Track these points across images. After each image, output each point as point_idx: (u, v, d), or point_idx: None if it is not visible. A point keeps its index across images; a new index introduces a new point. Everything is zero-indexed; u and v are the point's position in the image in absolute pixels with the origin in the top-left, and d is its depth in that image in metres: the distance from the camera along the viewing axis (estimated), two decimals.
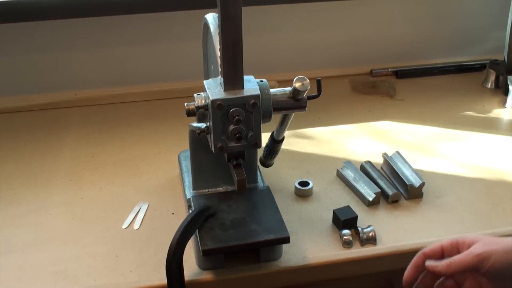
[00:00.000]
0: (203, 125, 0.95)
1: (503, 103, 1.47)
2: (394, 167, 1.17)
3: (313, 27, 1.56)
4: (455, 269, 0.76)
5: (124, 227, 1.08)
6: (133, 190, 1.17)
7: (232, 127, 0.91)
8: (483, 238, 0.78)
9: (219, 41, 0.89)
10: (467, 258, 0.76)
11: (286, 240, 0.95)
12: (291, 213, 1.09)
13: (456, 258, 0.77)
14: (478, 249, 0.76)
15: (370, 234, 1.01)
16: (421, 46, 1.64)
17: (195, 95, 0.94)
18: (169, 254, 0.90)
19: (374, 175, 1.17)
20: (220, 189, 1.08)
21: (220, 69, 0.91)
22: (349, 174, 1.17)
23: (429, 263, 0.80)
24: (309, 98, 0.98)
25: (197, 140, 1.02)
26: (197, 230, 0.96)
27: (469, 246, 0.78)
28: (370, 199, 1.11)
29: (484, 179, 1.19)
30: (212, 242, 0.93)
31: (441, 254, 0.81)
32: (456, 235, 1.03)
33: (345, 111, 1.45)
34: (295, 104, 0.98)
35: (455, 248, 0.80)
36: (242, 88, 0.91)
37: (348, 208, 1.07)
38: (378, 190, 1.12)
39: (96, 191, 1.18)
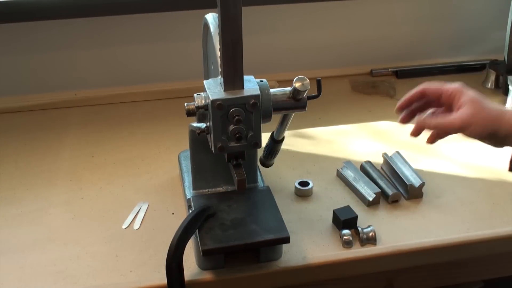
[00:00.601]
0: (203, 125, 0.95)
1: (503, 103, 1.47)
2: (394, 167, 1.17)
3: (313, 27, 1.56)
4: (441, 130, 0.90)
5: (124, 227, 1.08)
6: (133, 190, 1.17)
7: (232, 127, 0.91)
8: (472, 103, 0.87)
9: (219, 41, 0.89)
10: (452, 125, 0.89)
11: (286, 240, 0.95)
12: (291, 213, 1.09)
13: (445, 122, 0.90)
14: (463, 117, 0.87)
15: (370, 234, 1.01)
16: (421, 46, 1.64)
17: (195, 95, 0.94)
18: (169, 254, 0.90)
19: (374, 175, 1.17)
20: (220, 189, 1.08)
21: (220, 69, 0.91)
22: (349, 174, 1.17)
23: (420, 119, 0.93)
24: (309, 98, 0.98)
25: (197, 140, 1.02)
26: (197, 230, 0.96)
27: (459, 107, 0.89)
28: (370, 199, 1.11)
29: (484, 179, 1.19)
30: (212, 242, 0.93)
31: (439, 97, 0.93)
32: (456, 235, 1.04)
33: (345, 111, 1.45)
34: (295, 104, 0.98)
35: (451, 100, 0.91)
36: (242, 88, 0.91)
37: (348, 208, 1.07)
38: (378, 190, 1.12)
39: (96, 191, 1.18)
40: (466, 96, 0.88)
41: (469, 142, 1.31)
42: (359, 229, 1.03)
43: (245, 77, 0.92)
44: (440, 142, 1.31)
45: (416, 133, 0.94)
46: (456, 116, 0.88)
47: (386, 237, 1.04)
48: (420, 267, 1.07)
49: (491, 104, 0.89)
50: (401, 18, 1.60)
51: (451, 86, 0.91)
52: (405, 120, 0.97)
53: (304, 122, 1.36)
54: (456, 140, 1.32)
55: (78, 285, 0.96)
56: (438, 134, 0.92)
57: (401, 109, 0.97)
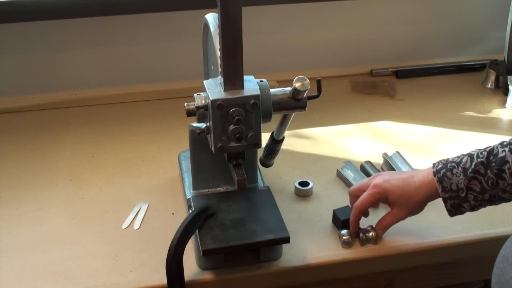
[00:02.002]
0: (203, 125, 0.95)
1: (503, 103, 1.47)
2: (394, 167, 1.17)
3: (313, 27, 1.56)
4: (363, 207, 1.01)
5: (124, 227, 1.08)
6: (133, 190, 1.17)
7: (232, 127, 0.91)
8: (399, 200, 0.99)
9: (219, 41, 0.89)
10: (399, 220, 1.01)
11: (286, 240, 0.95)
12: (291, 213, 1.09)
13: (393, 222, 1.02)
14: (403, 214, 1.00)
15: (370, 234, 1.01)
16: (421, 46, 1.64)
17: (195, 95, 0.94)
18: (169, 254, 0.90)
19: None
20: (220, 189, 1.08)
21: (220, 69, 0.91)
22: (349, 174, 1.17)
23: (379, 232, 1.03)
24: (309, 98, 0.98)
25: (197, 140, 1.02)
26: (197, 230, 0.96)
27: (393, 206, 1.01)
28: None
29: None
30: (212, 242, 0.93)
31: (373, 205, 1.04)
32: (456, 235, 1.04)
33: (345, 111, 1.45)
34: (295, 104, 0.98)
35: (382, 201, 1.02)
36: (242, 88, 0.91)
37: (348, 208, 1.07)
38: None
39: (96, 191, 1.18)
40: (391, 196, 0.99)
41: (469, 142, 1.31)
42: (360, 229, 1.02)
43: (245, 77, 0.92)
44: (439, 142, 1.32)
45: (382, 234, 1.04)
46: (398, 214, 1.00)
47: (386, 237, 1.04)
48: (420, 267, 1.07)
49: (407, 181, 0.98)
50: (401, 18, 1.60)
51: (373, 192, 1.00)
52: (355, 230, 1.03)
53: (304, 122, 1.36)
54: (456, 140, 1.33)
55: (78, 285, 0.96)
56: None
57: (357, 231, 1.03)
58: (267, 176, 1.16)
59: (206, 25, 1.01)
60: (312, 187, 1.14)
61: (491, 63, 1.54)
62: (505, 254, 0.80)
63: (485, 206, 0.94)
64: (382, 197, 0.99)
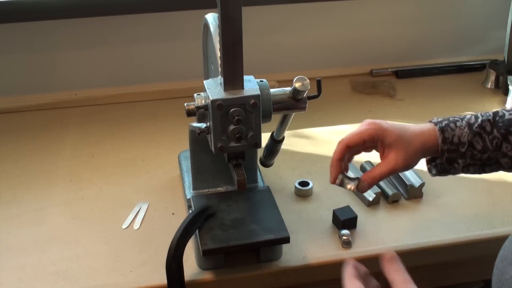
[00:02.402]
0: (203, 125, 0.95)
1: (503, 103, 1.47)
2: None
3: (313, 27, 1.56)
4: (385, 177, 0.91)
5: (124, 227, 1.08)
6: (133, 190, 1.17)
7: (232, 127, 0.91)
8: (397, 141, 0.89)
9: (219, 41, 0.89)
10: (396, 169, 0.90)
11: (286, 240, 0.95)
12: (291, 213, 1.09)
13: (389, 170, 0.90)
14: (400, 160, 0.89)
15: (349, 186, 0.93)
16: (421, 46, 1.64)
17: (195, 95, 0.94)
18: (169, 254, 0.90)
19: None
20: (220, 189, 1.08)
21: (220, 69, 0.91)
22: (350, 174, 1.17)
23: (367, 178, 0.92)
24: (309, 98, 0.98)
25: (197, 140, 1.02)
26: (197, 230, 0.96)
27: (389, 148, 0.90)
28: (370, 199, 1.11)
29: (484, 179, 1.19)
30: (212, 242, 0.93)
31: (363, 144, 0.91)
32: (456, 235, 1.04)
33: (345, 111, 1.45)
34: (295, 104, 0.98)
35: (375, 142, 0.91)
36: (242, 88, 0.91)
37: (348, 208, 1.07)
38: (378, 190, 1.12)
39: (96, 191, 1.18)
40: (389, 137, 0.89)
41: None
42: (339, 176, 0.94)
43: (245, 77, 0.92)
44: None
45: (367, 189, 0.93)
46: (395, 161, 0.90)
47: (386, 237, 1.04)
48: (420, 267, 1.06)
49: (405, 126, 0.91)
50: (401, 18, 1.60)
51: (367, 128, 0.90)
52: (334, 177, 0.94)
53: (304, 122, 1.36)
54: None
55: (78, 285, 0.96)
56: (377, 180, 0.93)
57: (336, 173, 0.93)
58: (267, 176, 1.16)
59: (206, 25, 1.01)
60: (312, 187, 1.14)
61: (491, 63, 1.54)
62: (504, 254, 0.79)
63: (474, 171, 0.90)
64: (376, 137, 0.89)
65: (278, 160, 1.14)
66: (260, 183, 1.11)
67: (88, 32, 1.45)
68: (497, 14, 1.59)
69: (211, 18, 0.99)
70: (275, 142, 1.09)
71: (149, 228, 1.07)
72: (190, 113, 0.94)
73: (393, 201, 1.12)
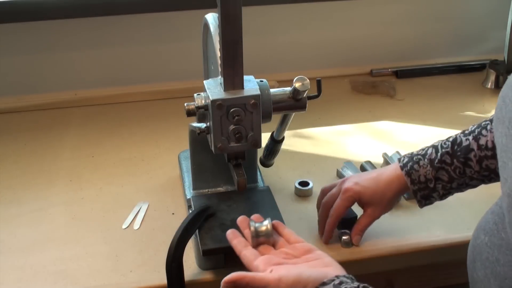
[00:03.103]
0: (203, 125, 0.95)
1: None
2: None
3: (313, 27, 1.56)
4: (339, 214, 1.00)
5: (124, 227, 1.08)
6: (133, 190, 1.17)
7: (232, 127, 0.91)
8: (373, 199, 0.98)
9: (219, 41, 0.89)
10: (374, 220, 1.00)
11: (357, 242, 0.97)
12: (291, 213, 1.09)
13: (368, 223, 1.00)
14: (377, 213, 1.00)
15: (263, 228, 0.88)
16: (421, 46, 1.64)
17: (195, 95, 0.94)
18: (169, 254, 0.90)
19: None
20: (220, 189, 1.08)
21: (220, 69, 0.91)
22: (349, 174, 1.17)
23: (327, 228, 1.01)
24: (309, 98, 0.98)
25: (197, 140, 1.02)
26: (197, 230, 0.95)
27: (367, 206, 1.00)
28: None
29: None
30: (212, 242, 0.93)
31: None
32: (456, 235, 1.04)
33: (345, 111, 1.45)
34: (295, 104, 0.98)
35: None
36: (242, 88, 0.91)
37: (348, 208, 1.07)
38: None
39: (96, 191, 1.18)
40: (364, 198, 0.98)
41: None
42: (252, 223, 0.89)
43: (245, 77, 0.92)
44: None
45: (358, 240, 1.02)
46: (373, 214, 1.00)
47: (386, 237, 1.04)
48: (420, 267, 1.06)
49: (377, 179, 0.99)
50: (401, 18, 1.60)
51: (347, 197, 0.98)
52: (329, 239, 1.02)
53: (304, 122, 1.36)
54: None
55: (78, 285, 0.96)
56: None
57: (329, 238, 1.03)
58: (267, 176, 1.16)
59: (206, 25, 1.01)
60: (312, 187, 1.14)
61: (491, 63, 1.54)
62: (480, 223, 0.84)
63: (453, 194, 0.97)
64: (355, 200, 0.99)
65: (278, 160, 1.14)
66: (260, 183, 1.11)
67: (88, 32, 1.45)
68: (497, 14, 1.59)
69: (211, 18, 0.99)
70: (275, 142, 1.09)
71: (149, 228, 1.07)
72: (190, 113, 0.94)
73: None
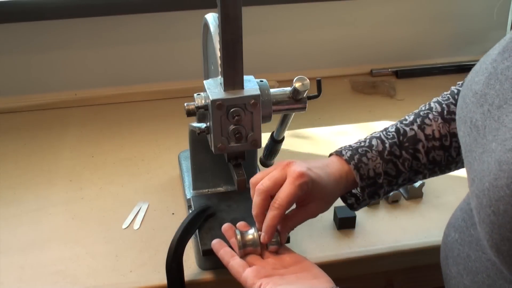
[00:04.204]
0: (203, 125, 0.95)
1: None
2: None
3: (313, 27, 1.56)
4: (289, 204, 0.81)
5: (124, 227, 1.08)
6: (133, 190, 1.17)
7: (232, 127, 0.91)
8: (317, 196, 0.84)
9: (219, 41, 0.89)
10: (311, 216, 0.86)
11: (286, 240, 0.95)
12: None
13: (304, 218, 0.86)
14: (318, 211, 0.85)
15: (250, 236, 0.86)
16: (421, 46, 1.64)
17: (195, 95, 0.94)
18: (169, 254, 0.90)
19: None
20: (220, 189, 1.08)
21: (220, 69, 0.91)
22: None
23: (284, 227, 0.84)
24: (309, 98, 0.98)
25: (197, 140, 1.02)
26: (197, 230, 0.96)
27: (308, 201, 0.84)
28: None
29: None
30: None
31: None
32: None
33: (345, 111, 1.45)
34: (295, 104, 0.98)
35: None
36: (242, 88, 0.91)
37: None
38: None
39: (96, 191, 1.18)
40: (315, 188, 0.82)
41: None
42: (237, 232, 0.86)
43: (245, 77, 0.92)
44: None
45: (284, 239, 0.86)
46: (314, 211, 0.86)
47: (386, 237, 1.04)
48: (420, 267, 1.07)
49: (326, 171, 0.85)
50: (401, 18, 1.60)
51: (302, 182, 0.81)
52: (271, 237, 0.84)
53: (304, 122, 1.36)
54: None
55: (78, 285, 0.96)
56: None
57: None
58: None
59: (206, 25, 1.01)
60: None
61: None
62: (450, 220, 0.82)
63: (389, 194, 0.91)
64: (308, 189, 0.82)
65: (278, 160, 1.14)
66: None
67: (88, 32, 1.45)
68: (497, 14, 1.59)
69: (211, 18, 0.99)
70: (275, 142, 1.09)
71: (149, 228, 1.07)
72: (190, 113, 0.94)
73: (393, 201, 1.12)
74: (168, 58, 1.51)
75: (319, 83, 0.98)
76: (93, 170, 1.24)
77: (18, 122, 1.41)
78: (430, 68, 1.62)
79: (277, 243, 0.85)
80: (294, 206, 0.86)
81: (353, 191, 0.91)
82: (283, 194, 0.80)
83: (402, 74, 1.60)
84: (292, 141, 1.30)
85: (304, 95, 0.97)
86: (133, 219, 1.10)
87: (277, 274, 0.80)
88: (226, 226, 0.90)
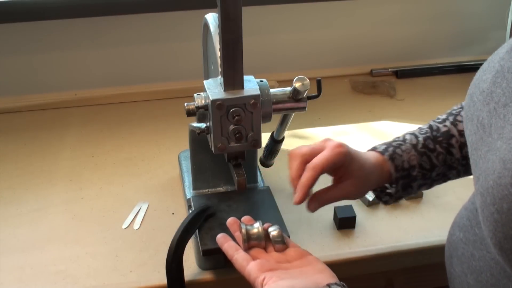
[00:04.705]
0: (203, 125, 0.95)
1: None
2: None
3: (313, 27, 1.56)
4: (336, 200, 0.87)
5: (124, 227, 1.08)
6: (133, 190, 1.17)
7: (232, 127, 0.91)
8: (358, 173, 0.85)
9: (219, 41, 0.89)
10: (348, 196, 0.87)
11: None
12: (291, 213, 1.09)
13: (341, 194, 0.87)
14: (353, 188, 0.86)
15: (255, 230, 0.87)
16: (421, 46, 1.64)
17: (195, 95, 0.94)
18: (169, 254, 0.90)
19: None
20: (220, 189, 1.08)
21: (220, 69, 0.91)
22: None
23: (319, 198, 0.87)
24: (309, 98, 0.98)
25: (197, 140, 1.02)
26: (197, 230, 0.96)
27: (346, 176, 0.86)
28: (370, 199, 1.11)
29: None
30: (212, 242, 0.93)
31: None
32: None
33: (345, 111, 1.45)
34: (295, 104, 0.98)
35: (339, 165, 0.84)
36: (242, 88, 0.91)
37: (349, 207, 1.07)
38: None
39: (96, 191, 1.18)
40: (353, 164, 0.84)
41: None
42: (243, 226, 0.87)
43: (245, 77, 0.92)
44: None
45: (314, 208, 0.87)
46: (350, 190, 0.86)
47: (386, 237, 1.04)
48: (420, 267, 1.07)
49: (364, 157, 0.87)
50: (401, 18, 1.60)
51: (339, 152, 0.83)
52: (302, 199, 0.84)
53: (304, 122, 1.36)
54: None
55: (78, 285, 0.96)
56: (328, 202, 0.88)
57: (305, 196, 0.85)
58: (267, 176, 1.16)
59: (206, 25, 1.01)
60: (312, 187, 1.14)
61: None
62: (455, 219, 0.82)
63: (426, 189, 0.91)
64: (345, 160, 0.83)
65: (278, 160, 1.14)
66: (260, 183, 1.11)
67: (88, 32, 1.45)
68: (497, 14, 1.59)
69: (211, 18, 0.99)
70: (275, 142, 1.09)
71: (149, 228, 1.07)
72: (190, 113, 0.94)
73: None
74: (168, 58, 1.51)
75: (319, 83, 0.98)
76: (93, 170, 1.24)
77: (18, 122, 1.41)
78: (430, 68, 1.62)
79: (283, 242, 0.87)
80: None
81: (387, 190, 0.90)
82: (319, 157, 0.82)
83: (402, 74, 1.60)
84: (292, 141, 1.30)
85: (304, 95, 0.97)
86: (133, 219, 1.10)
87: (281, 268, 0.81)
88: (231, 220, 0.91)
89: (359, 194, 0.88)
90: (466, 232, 0.76)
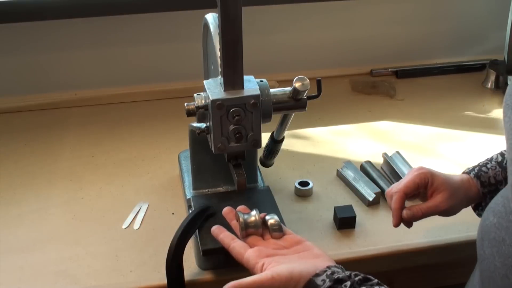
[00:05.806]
0: (203, 125, 0.95)
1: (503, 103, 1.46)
2: (394, 167, 1.17)
3: (313, 27, 1.56)
4: (426, 216, 0.94)
5: (124, 227, 1.08)
6: (133, 190, 1.17)
7: (232, 127, 0.91)
8: (446, 187, 0.92)
9: (219, 41, 0.89)
10: (438, 209, 0.93)
11: None
12: (291, 213, 1.09)
13: (431, 209, 0.93)
14: (445, 202, 0.93)
15: (252, 218, 0.88)
16: (421, 46, 1.64)
17: (195, 95, 0.94)
18: (169, 254, 0.90)
19: (374, 175, 1.17)
20: (220, 189, 1.08)
21: (220, 69, 0.91)
22: (349, 174, 1.17)
23: (409, 214, 0.94)
24: (309, 98, 0.98)
25: (197, 140, 1.02)
26: (197, 230, 0.96)
27: (435, 191, 0.93)
28: (370, 199, 1.11)
29: None
30: (212, 242, 0.93)
31: (417, 189, 0.95)
32: (456, 235, 1.04)
33: (345, 111, 1.45)
34: (295, 104, 0.98)
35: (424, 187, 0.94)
36: (242, 88, 0.91)
37: (349, 207, 1.07)
38: (378, 190, 1.12)
39: (96, 191, 1.18)
40: (437, 180, 0.93)
41: (469, 143, 1.31)
42: (240, 214, 0.89)
43: (245, 77, 0.92)
44: (439, 142, 1.32)
45: (406, 224, 0.96)
46: (440, 202, 0.93)
47: (386, 237, 1.04)
48: (420, 267, 1.07)
49: (448, 175, 0.95)
50: (401, 18, 1.60)
51: (419, 173, 0.93)
52: (398, 220, 0.95)
53: (304, 122, 1.36)
54: (456, 140, 1.33)
55: (78, 285, 0.96)
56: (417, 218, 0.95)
57: (399, 220, 0.95)
58: (267, 176, 1.16)
59: (206, 25, 1.01)
60: (312, 187, 1.14)
61: (491, 63, 1.54)
62: (490, 205, 0.83)
63: None
64: (427, 179, 0.92)
65: (278, 160, 1.14)
66: (260, 183, 1.11)
67: (88, 32, 1.45)
68: (497, 14, 1.59)
69: (211, 18, 0.99)
70: (275, 142, 1.09)
71: (149, 228, 1.07)
72: (190, 113, 0.94)
73: None
74: (168, 58, 1.51)
75: (319, 83, 0.98)
76: (93, 171, 1.24)
77: (18, 122, 1.41)
78: (430, 68, 1.62)
79: (281, 230, 0.88)
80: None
81: (483, 203, 0.96)
82: (403, 181, 0.93)
83: (402, 74, 1.60)
84: (292, 141, 1.30)
85: (304, 95, 0.97)
86: (133, 219, 1.10)
87: (279, 253, 0.83)
88: (226, 209, 0.92)
89: (449, 209, 0.94)
90: (500, 218, 0.77)
